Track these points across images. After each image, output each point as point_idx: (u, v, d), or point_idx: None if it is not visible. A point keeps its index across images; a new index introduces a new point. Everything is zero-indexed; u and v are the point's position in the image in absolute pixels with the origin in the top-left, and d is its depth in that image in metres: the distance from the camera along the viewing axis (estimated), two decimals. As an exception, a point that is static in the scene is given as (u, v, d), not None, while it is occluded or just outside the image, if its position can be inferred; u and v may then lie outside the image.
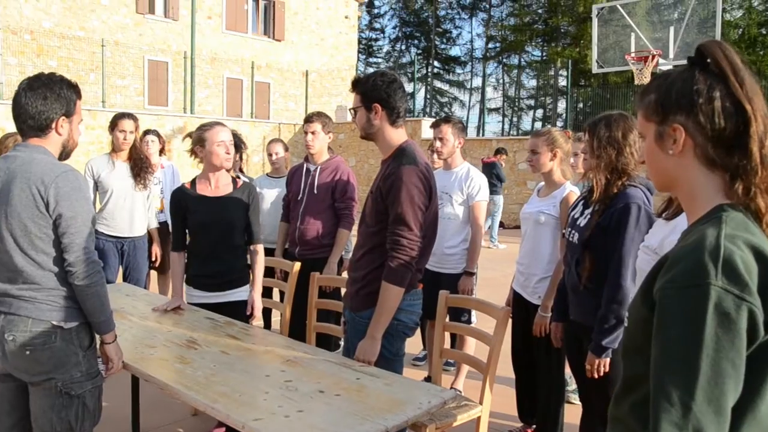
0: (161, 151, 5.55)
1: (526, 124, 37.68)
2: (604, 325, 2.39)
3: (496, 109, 37.54)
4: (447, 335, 3.19)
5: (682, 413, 0.91)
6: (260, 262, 3.26)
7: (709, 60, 1.09)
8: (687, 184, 1.10)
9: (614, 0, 10.43)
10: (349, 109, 2.54)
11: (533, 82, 38.06)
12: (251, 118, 18.73)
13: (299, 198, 3.89)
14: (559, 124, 33.71)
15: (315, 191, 3.81)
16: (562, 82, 33.61)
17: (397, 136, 2.47)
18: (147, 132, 5.46)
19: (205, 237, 3.08)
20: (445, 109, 39.77)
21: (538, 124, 36.84)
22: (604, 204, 2.48)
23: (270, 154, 4.81)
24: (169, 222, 5.57)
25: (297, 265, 3.57)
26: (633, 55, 9.75)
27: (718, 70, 1.07)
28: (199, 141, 3.08)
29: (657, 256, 1.98)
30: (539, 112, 37.57)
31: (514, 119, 38.42)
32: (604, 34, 10.61)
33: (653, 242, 2.03)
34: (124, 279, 4.37)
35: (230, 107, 20.01)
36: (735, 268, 0.93)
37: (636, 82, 9.73)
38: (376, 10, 40.33)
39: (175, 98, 19.11)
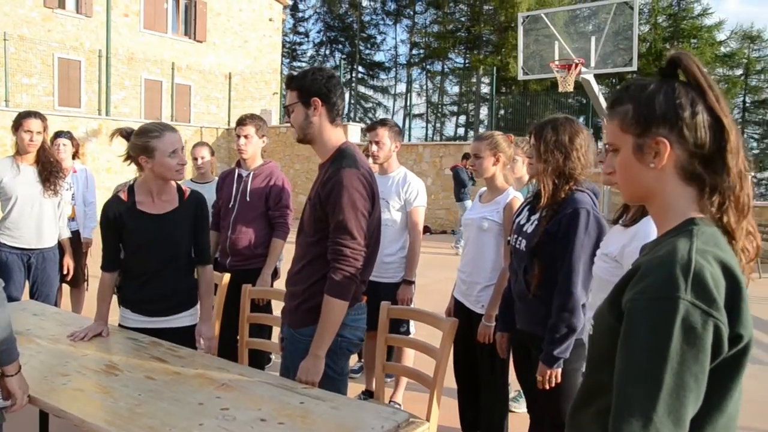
0: (75, 155, 5.14)
1: (449, 130, 38.31)
2: (555, 335, 2.32)
3: (420, 115, 37.98)
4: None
5: (642, 423, 0.92)
6: (209, 285, 2.83)
7: (681, 72, 1.10)
8: (661, 196, 1.11)
9: (538, 9, 10.67)
10: (285, 107, 2.36)
11: (456, 89, 38.76)
12: (171, 121, 17.98)
13: (230, 205, 3.63)
14: (481, 129, 34.54)
15: (247, 198, 3.57)
16: (484, 89, 34.43)
17: (336, 136, 2.32)
18: (59, 134, 5.04)
19: (146, 258, 2.67)
20: (369, 114, 39.86)
21: (461, 130, 37.57)
22: (552, 209, 2.42)
23: (195, 158, 4.53)
24: (81, 230, 5.19)
25: (227, 277, 3.33)
26: (557, 63, 10.01)
27: (695, 83, 1.08)
28: (144, 150, 2.58)
29: (617, 263, 1.93)
30: (462, 119, 38.29)
31: (438, 125, 38.98)
32: (529, 42, 10.84)
33: (612, 250, 1.97)
34: (31, 295, 3.96)
35: (149, 110, 19.13)
36: (704, 284, 0.95)
37: (560, 89, 10.00)
38: (300, 14, 39.92)
39: (88, 99, 18.10)
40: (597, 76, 10.45)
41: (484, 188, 3.34)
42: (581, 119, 30.11)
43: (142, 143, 2.59)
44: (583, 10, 11.83)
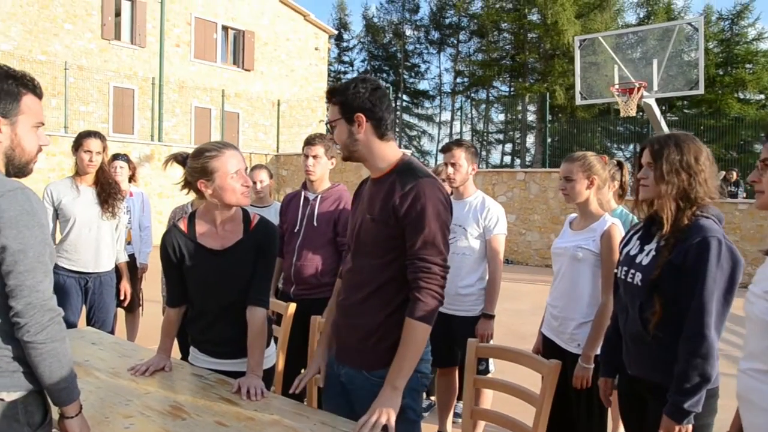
0: (131, 178, 5.05)
1: (495, 158, 37.93)
2: (686, 385, 1.98)
3: (465, 143, 37.61)
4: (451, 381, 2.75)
5: None
6: (260, 333, 2.33)
7: None
8: None
9: (595, 33, 10.37)
10: (326, 124, 2.10)
11: (501, 117, 38.45)
12: (220, 148, 18.14)
13: (296, 230, 3.39)
14: (528, 158, 34.05)
15: (315, 223, 3.32)
16: (530, 117, 34.06)
17: (390, 151, 2.07)
18: (116, 156, 4.96)
19: (208, 297, 2.38)
20: (414, 142, 39.83)
21: (507, 158, 37.12)
22: (675, 238, 2.10)
23: (254, 182, 4.35)
24: (137, 255, 5.07)
25: (292, 307, 3.08)
26: (617, 87, 9.64)
27: None
28: (203, 173, 2.26)
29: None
30: (508, 146, 37.87)
31: (483, 153, 38.63)
32: (586, 67, 10.51)
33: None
34: (88, 321, 3.81)
35: (199, 136, 19.41)
36: None
37: (621, 114, 9.60)
38: (344, 43, 40.46)
39: (141, 126, 18.49)
40: (657, 100, 10.04)
41: (574, 214, 3.04)
42: (630, 147, 29.43)
43: (200, 165, 2.27)
44: (643, 33, 11.44)
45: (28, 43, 16.41)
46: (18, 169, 1.61)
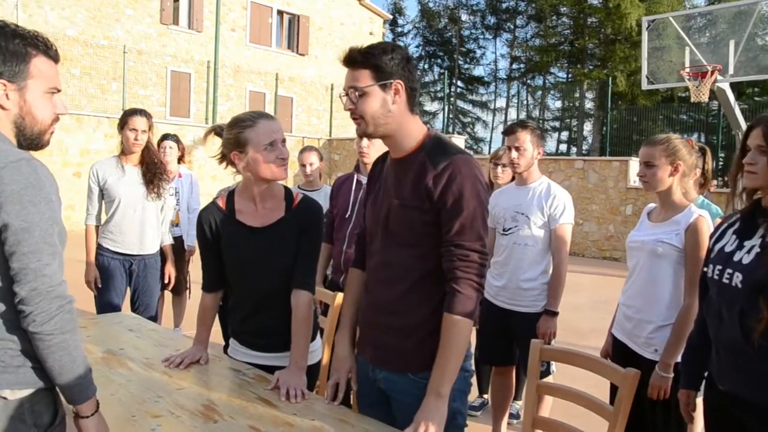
0: (180, 159, 4.95)
1: (550, 146, 36.94)
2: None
3: (520, 130, 36.75)
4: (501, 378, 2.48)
5: None
6: (305, 319, 2.14)
7: None
8: None
9: (665, 13, 9.75)
10: (348, 91, 1.77)
11: (558, 104, 37.41)
12: (273, 132, 18.21)
13: (347, 215, 3.17)
14: (584, 146, 33.00)
15: (367, 208, 3.11)
16: (588, 104, 33.02)
17: (417, 126, 1.83)
18: (165, 137, 4.87)
19: (249, 281, 2.19)
20: (468, 129, 39.21)
21: (563, 146, 36.12)
22: (785, 234, 1.79)
23: (303, 165, 4.17)
24: (185, 237, 4.99)
25: (340, 297, 2.88)
26: (688, 70, 9.03)
27: None
28: (236, 143, 2.09)
29: None
30: (564, 134, 36.83)
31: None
32: (654, 49, 9.91)
33: None
34: (132, 304, 3.72)
35: (252, 120, 19.51)
36: None
37: (692, 99, 8.99)
38: (399, 29, 40.07)
39: (196, 109, 18.73)
40: (732, 85, 9.37)
41: (653, 204, 2.72)
42: (694, 136, 28.08)
43: (233, 136, 2.11)
44: (715, 14, 10.71)
45: (92, 29, 16.78)
46: (30, 140, 1.43)
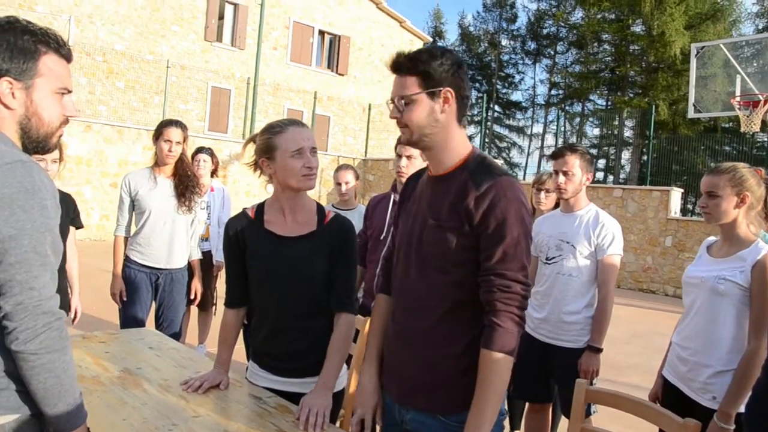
0: (214, 173, 4.89)
1: (586, 173, 36.36)
2: None
3: (557, 157, 36.32)
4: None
5: None
6: (345, 339, 2.05)
7: None
8: None
9: (713, 40, 9.46)
10: (397, 99, 1.65)
11: (596, 131, 36.89)
12: (309, 150, 18.28)
13: (382, 237, 3.02)
14: (622, 175, 32.38)
15: (403, 229, 2.96)
16: (627, 132, 32.50)
17: (463, 140, 1.68)
18: (200, 150, 4.82)
19: (273, 295, 2.05)
20: (503, 154, 38.93)
21: (600, 174, 35.51)
22: None
23: (338, 183, 4.06)
24: (213, 252, 4.91)
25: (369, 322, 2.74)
26: (738, 99, 8.71)
27: None
28: (265, 149, 2.03)
29: None
30: (602, 162, 36.24)
31: (575, 168, 37.16)
32: (702, 77, 9.61)
33: None
34: (156, 319, 3.62)
35: (289, 138, 19.66)
36: None
37: (743, 129, 8.64)
38: (439, 52, 40.16)
39: (234, 125, 18.96)
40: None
41: (712, 237, 2.51)
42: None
43: (263, 141, 2.04)
44: (764, 43, 10.35)
45: (139, 44, 17.19)
46: (36, 142, 1.34)
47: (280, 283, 2.04)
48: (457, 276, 1.61)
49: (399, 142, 3.03)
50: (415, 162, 2.96)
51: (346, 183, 4.03)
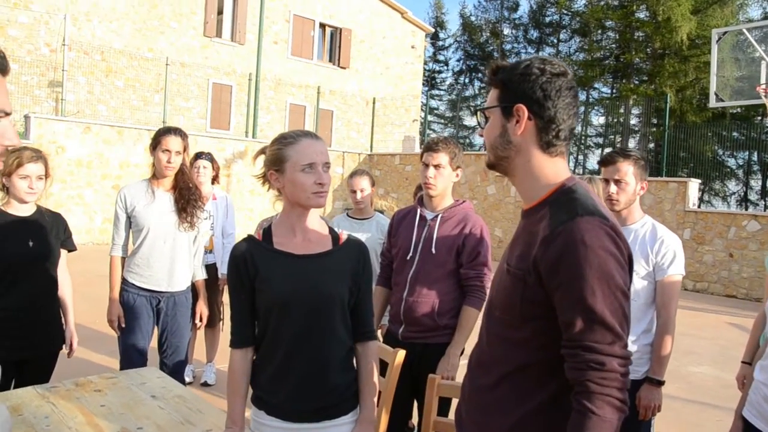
0: (215, 179, 4.55)
1: (591, 162, 35.95)
2: None
3: (562, 146, 35.95)
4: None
5: None
6: (372, 371, 1.92)
7: None
8: None
9: (738, 25, 9.07)
10: (476, 110, 1.43)
11: (601, 120, 36.45)
12: (313, 146, 17.96)
13: (409, 257, 2.69)
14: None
15: (433, 250, 2.60)
16: (633, 120, 32.11)
17: (552, 168, 1.35)
18: (199, 155, 4.47)
19: (285, 320, 1.79)
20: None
21: (607, 164, 35.11)
22: None
23: (353, 191, 3.72)
24: (219, 265, 4.58)
25: (401, 355, 2.40)
26: (764, 86, 8.34)
27: None
28: (275, 161, 1.83)
29: None
30: (607, 151, 35.87)
31: (580, 158, 36.72)
32: (723, 63, 9.22)
33: None
34: (160, 346, 3.29)
35: (292, 133, 19.35)
36: None
37: (769, 118, 8.28)
38: (440, 42, 39.74)
39: (237, 122, 18.63)
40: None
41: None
42: (744, 154, 26.85)
43: (273, 152, 1.85)
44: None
45: (137, 41, 16.84)
46: None
47: (294, 305, 1.78)
48: (524, 333, 1.30)
49: (426, 148, 2.70)
50: (444, 172, 2.62)
51: (362, 190, 3.70)
